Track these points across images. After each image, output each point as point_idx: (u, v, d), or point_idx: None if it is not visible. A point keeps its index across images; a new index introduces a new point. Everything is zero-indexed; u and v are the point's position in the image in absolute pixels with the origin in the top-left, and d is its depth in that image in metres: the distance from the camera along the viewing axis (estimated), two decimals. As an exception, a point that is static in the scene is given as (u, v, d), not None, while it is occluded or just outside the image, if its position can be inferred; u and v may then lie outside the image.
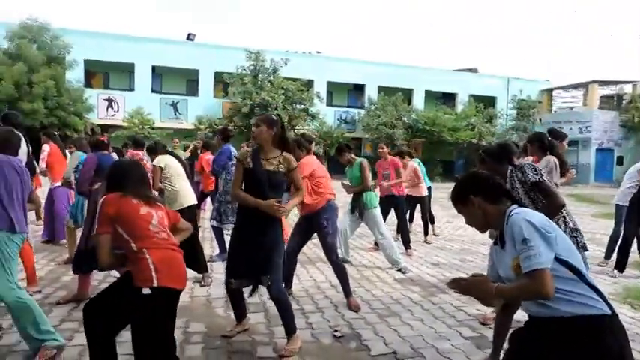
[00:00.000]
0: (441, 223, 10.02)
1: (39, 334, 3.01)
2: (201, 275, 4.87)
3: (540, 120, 31.43)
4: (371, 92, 29.40)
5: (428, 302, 4.52)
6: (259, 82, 24.45)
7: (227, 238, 6.32)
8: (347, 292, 4.34)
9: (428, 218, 7.99)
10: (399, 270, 5.65)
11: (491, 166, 3.49)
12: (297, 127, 25.58)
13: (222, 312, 4.09)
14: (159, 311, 2.38)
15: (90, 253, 4.00)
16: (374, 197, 5.68)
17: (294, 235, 4.44)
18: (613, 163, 29.57)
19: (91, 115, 23.63)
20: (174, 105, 26.70)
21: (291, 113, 24.76)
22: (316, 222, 4.22)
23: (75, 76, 22.95)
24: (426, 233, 7.87)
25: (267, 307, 4.15)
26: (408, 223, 8.55)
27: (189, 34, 29.18)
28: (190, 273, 3.75)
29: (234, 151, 6.05)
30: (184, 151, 12.23)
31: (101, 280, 4.81)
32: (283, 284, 4.05)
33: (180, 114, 26.66)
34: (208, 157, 7.68)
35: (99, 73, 26.38)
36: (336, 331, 3.69)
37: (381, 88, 29.11)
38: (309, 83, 26.38)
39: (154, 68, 26.44)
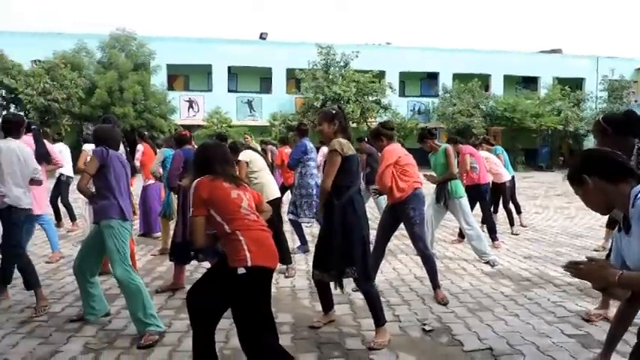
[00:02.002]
0: (529, 214, 9.45)
1: (145, 318, 3.23)
2: (285, 267, 4.95)
3: (636, 101, 28.71)
4: (445, 80, 28.46)
5: (522, 297, 4.25)
6: (331, 77, 24.53)
7: (307, 231, 6.47)
8: (435, 285, 4.19)
9: (509, 207, 7.54)
10: (487, 262, 5.38)
11: (613, 138, 3.05)
12: (369, 120, 25.38)
13: (307, 303, 4.13)
14: (254, 289, 2.46)
15: (185, 244, 4.22)
16: (460, 185, 5.45)
17: (381, 225, 4.35)
18: None
19: (174, 117, 25.03)
20: (249, 103, 27.60)
21: (363, 106, 24.62)
22: (403, 211, 4.11)
23: (159, 80, 24.42)
24: (511, 224, 7.45)
25: (352, 299, 4.12)
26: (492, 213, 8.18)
27: (261, 33, 29.95)
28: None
29: (310, 145, 6.09)
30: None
31: (193, 270, 5.05)
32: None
33: (254, 111, 27.49)
34: (288, 150, 7.82)
35: (180, 76, 27.87)
36: (424, 324, 3.58)
37: (455, 76, 28.09)
38: (380, 75, 26.03)
39: (229, 69, 27.48)
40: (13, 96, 19.78)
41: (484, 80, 28.42)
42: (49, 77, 19.90)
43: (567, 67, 29.48)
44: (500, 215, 8.02)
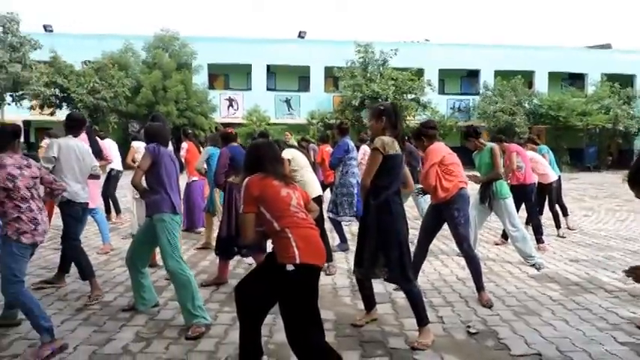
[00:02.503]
0: (577, 217, 9.12)
1: (194, 310, 3.34)
2: (326, 264, 4.98)
3: (691, 98, 27.16)
4: (486, 77, 27.74)
5: (570, 302, 4.12)
6: (369, 75, 24.40)
7: (346, 229, 6.48)
8: (479, 286, 4.12)
9: (556, 209, 7.29)
10: (533, 265, 5.23)
11: None
12: (408, 118, 25.09)
13: (349, 301, 4.14)
14: (303, 286, 2.50)
15: (229, 239, 4.32)
16: (505, 186, 5.31)
17: (424, 226, 4.31)
18: None
19: (215, 115, 25.53)
20: (287, 101, 27.81)
21: (401, 104, 24.35)
22: (447, 212, 4.06)
23: (200, 79, 24.99)
24: (558, 226, 7.20)
25: (394, 298, 4.11)
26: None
27: (300, 32, 30.11)
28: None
29: (351, 144, 6.10)
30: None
31: (235, 265, 5.16)
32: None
33: (292, 110, 27.70)
34: (328, 148, 7.85)
35: (220, 75, 28.39)
36: (469, 326, 3.52)
37: (497, 73, 27.33)
38: (419, 72, 25.67)
39: (268, 67, 27.78)
40: (65, 95, 20.70)
41: (527, 77, 27.53)
42: (97, 77, 20.72)
43: (617, 62, 28.11)
44: (545, 217, 7.77)
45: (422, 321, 3.25)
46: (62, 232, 4.20)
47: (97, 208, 5.60)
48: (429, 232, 4.28)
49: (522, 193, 6.22)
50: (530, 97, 26.15)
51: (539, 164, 7.08)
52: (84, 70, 21.45)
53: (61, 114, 22.27)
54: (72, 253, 4.15)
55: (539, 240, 6.26)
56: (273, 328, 3.37)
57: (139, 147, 6.17)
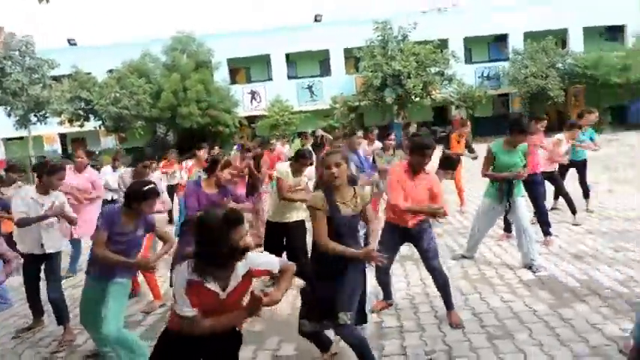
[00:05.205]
0: (601, 192, 8.45)
1: None
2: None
3: None
4: (515, 42, 26.30)
5: (556, 317, 3.77)
6: (389, 53, 23.66)
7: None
8: (448, 305, 3.87)
9: (567, 196, 6.73)
10: (530, 268, 4.87)
11: None
12: (432, 94, 24.27)
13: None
14: None
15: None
16: (521, 184, 5.02)
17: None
18: None
19: (238, 110, 25.65)
20: (309, 88, 27.54)
21: (425, 79, 23.54)
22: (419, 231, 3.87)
23: (220, 76, 25.11)
24: (573, 211, 6.65)
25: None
26: (554, 200, 7.42)
27: (316, 15, 29.54)
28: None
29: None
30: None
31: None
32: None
33: (315, 96, 27.40)
34: None
35: (241, 69, 28.44)
36: (430, 358, 3.30)
37: (527, 35, 25.81)
38: (443, 44, 24.63)
39: (287, 56, 27.52)
40: (90, 107, 21.37)
41: (561, 35, 25.84)
42: (119, 86, 21.21)
43: (660, 8, 25.83)
44: (560, 203, 7.27)
45: None
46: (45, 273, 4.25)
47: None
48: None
49: (528, 188, 5.75)
50: (563, 57, 24.59)
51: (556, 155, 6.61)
52: (105, 81, 22.02)
53: (89, 125, 23.12)
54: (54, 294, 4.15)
55: (545, 232, 5.82)
56: None
57: None
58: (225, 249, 2.19)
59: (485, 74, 27.09)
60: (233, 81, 27.27)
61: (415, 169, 3.81)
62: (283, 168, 4.95)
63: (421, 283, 4.81)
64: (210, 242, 2.19)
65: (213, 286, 2.27)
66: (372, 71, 23.50)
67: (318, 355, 3.42)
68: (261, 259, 2.46)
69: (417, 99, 24.11)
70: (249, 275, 2.39)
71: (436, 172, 8.20)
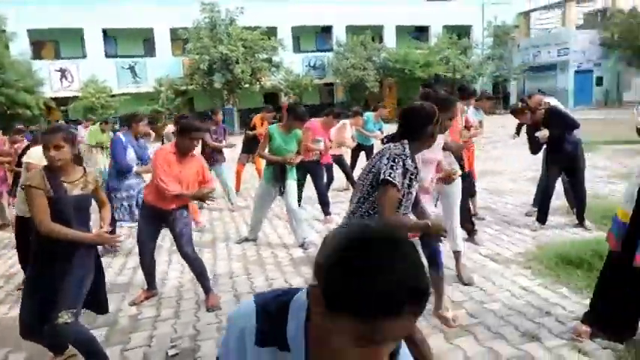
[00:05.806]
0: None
1: None
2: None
3: (518, 46, 30.24)
4: (339, 33, 28.01)
5: (308, 290, 4.02)
6: (217, 36, 23.12)
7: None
8: (206, 288, 3.86)
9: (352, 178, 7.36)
10: (302, 245, 5.15)
11: None
12: (261, 80, 24.53)
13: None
14: None
15: None
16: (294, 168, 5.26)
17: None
18: (592, 84, 28.66)
19: (45, 89, 22.50)
20: (131, 68, 25.46)
21: (254, 65, 23.63)
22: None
23: (17, 48, 21.66)
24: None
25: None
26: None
27: (139, -10, 27.30)
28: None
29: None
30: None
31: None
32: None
33: (138, 77, 25.47)
34: None
35: (47, 42, 24.97)
36: (173, 346, 3.22)
37: (349, 28, 27.71)
38: (271, 31, 24.95)
39: (105, 31, 25.00)
40: None
41: (377, 32, 28.34)
42: None
43: (455, 14, 30.06)
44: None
45: None
46: None
47: None
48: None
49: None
50: (378, 51, 27.01)
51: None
52: None
53: None
54: None
55: (326, 213, 6.26)
56: None
57: None
58: None
59: (312, 64, 28.30)
60: (37, 56, 23.79)
61: (183, 152, 3.70)
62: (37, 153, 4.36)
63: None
64: None
65: None
66: (198, 54, 22.74)
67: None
68: None
69: (247, 85, 24.12)
70: None
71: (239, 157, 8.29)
